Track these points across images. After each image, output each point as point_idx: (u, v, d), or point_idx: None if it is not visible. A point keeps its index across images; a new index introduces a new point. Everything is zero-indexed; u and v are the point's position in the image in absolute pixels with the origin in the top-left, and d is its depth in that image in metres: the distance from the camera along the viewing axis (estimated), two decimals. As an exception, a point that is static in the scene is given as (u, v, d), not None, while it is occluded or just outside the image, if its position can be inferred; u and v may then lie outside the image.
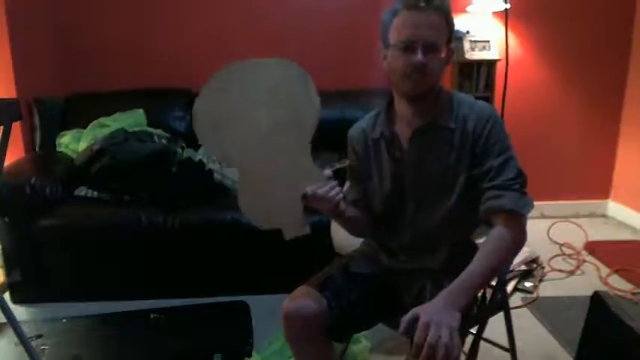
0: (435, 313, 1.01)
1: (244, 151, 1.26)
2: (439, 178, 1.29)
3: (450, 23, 1.21)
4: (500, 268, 1.19)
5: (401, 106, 1.32)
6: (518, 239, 1.19)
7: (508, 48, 3.15)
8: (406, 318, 1.03)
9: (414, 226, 1.35)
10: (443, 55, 1.22)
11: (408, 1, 1.18)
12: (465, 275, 1.11)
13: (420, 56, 1.17)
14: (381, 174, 1.38)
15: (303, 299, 1.30)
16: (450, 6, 1.22)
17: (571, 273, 2.65)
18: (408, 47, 1.18)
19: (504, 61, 3.19)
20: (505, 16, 3.08)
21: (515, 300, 2.34)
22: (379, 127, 1.36)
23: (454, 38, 1.26)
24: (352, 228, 1.46)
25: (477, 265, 1.13)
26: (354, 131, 1.44)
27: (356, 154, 1.42)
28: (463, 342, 1.20)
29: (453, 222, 1.31)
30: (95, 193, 2.51)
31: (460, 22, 3.18)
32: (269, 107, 1.26)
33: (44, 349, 1.99)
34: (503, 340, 1.63)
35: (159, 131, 2.76)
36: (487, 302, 1.46)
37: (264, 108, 1.26)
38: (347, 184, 1.31)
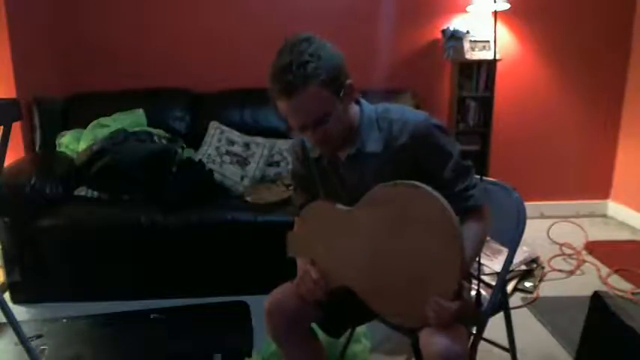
0: None
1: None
2: None
3: (327, 82, 1.13)
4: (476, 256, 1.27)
5: None
6: (488, 226, 1.27)
7: (496, 45, 3.14)
8: None
9: None
10: (336, 107, 1.18)
11: (276, 90, 1.15)
12: None
13: (315, 136, 1.19)
14: (330, 192, 1.36)
15: (284, 294, 1.32)
16: (322, 65, 1.12)
17: (571, 273, 2.65)
18: (302, 131, 1.20)
19: (504, 61, 3.19)
20: (495, 16, 3.09)
21: (515, 300, 2.34)
22: None
23: (344, 76, 1.18)
24: None
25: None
26: (297, 141, 1.42)
27: (299, 161, 1.42)
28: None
29: None
30: (95, 193, 2.52)
31: (460, 22, 3.18)
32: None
33: (44, 349, 1.99)
34: (504, 340, 1.63)
35: (159, 131, 2.76)
36: (487, 302, 1.46)
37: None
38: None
